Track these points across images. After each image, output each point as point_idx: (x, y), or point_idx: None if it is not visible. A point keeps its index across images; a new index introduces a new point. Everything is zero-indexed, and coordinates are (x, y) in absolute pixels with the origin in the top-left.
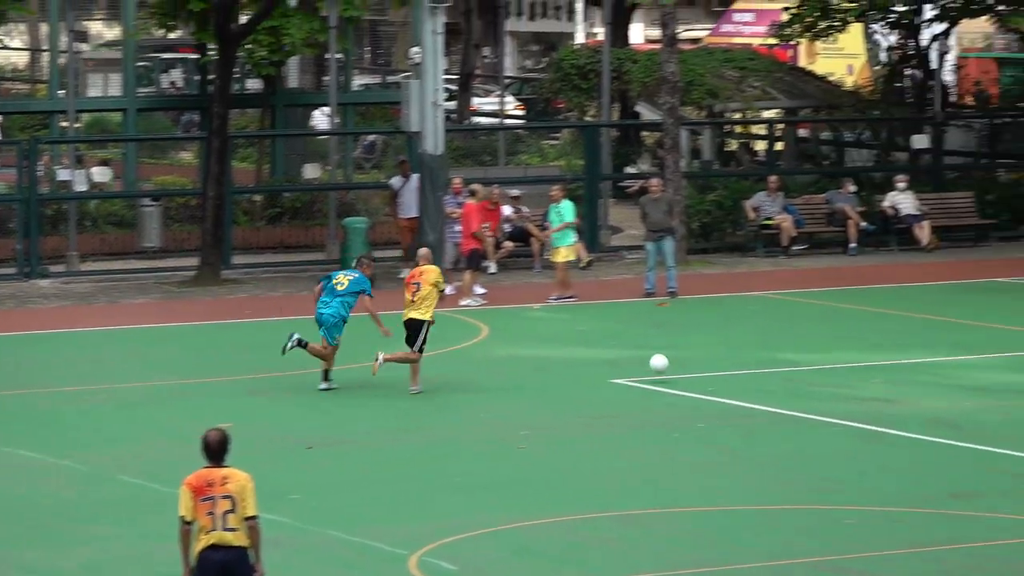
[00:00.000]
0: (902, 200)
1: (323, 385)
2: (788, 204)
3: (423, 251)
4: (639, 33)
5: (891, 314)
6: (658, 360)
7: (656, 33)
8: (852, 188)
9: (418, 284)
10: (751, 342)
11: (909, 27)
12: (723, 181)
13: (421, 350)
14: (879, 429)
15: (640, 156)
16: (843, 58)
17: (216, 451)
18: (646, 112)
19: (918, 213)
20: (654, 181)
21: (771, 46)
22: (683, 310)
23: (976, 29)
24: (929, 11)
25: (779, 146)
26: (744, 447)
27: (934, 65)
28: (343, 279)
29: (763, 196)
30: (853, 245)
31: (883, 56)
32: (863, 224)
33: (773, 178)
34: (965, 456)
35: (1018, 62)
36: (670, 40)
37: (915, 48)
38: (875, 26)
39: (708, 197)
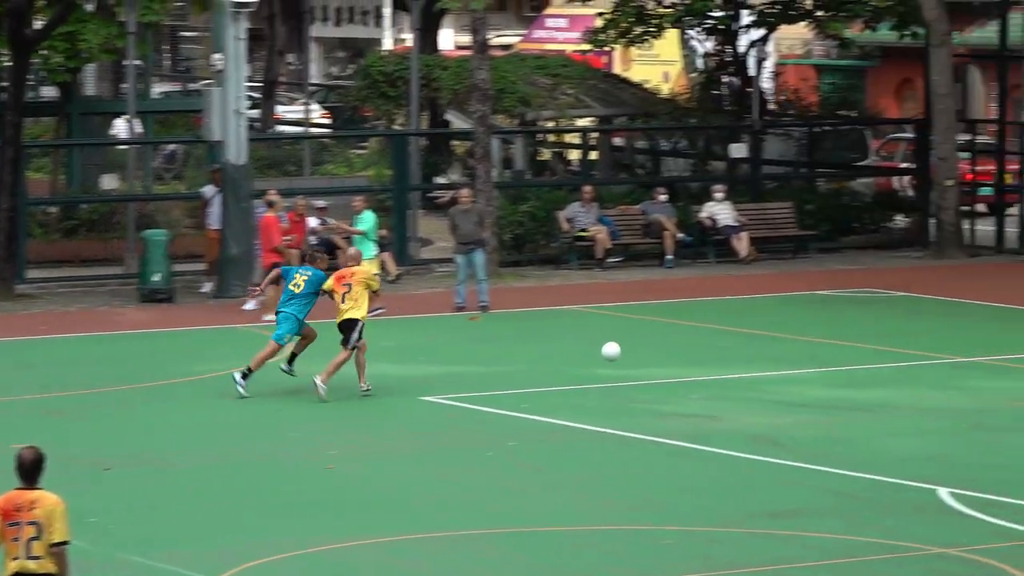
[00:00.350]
0: (720, 211)
1: (284, 370)
2: (603, 215)
3: (352, 251)
4: (449, 39)
5: (709, 328)
6: (611, 348)
7: (466, 39)
8: (663, 196)
9: (349, 285)
10: (565, 357)
11: (726, 33)
12: (536, 191)
13: (354, 346)
14: (698, 447)
15: (450, 166)
16: (659, 65)
17: (29, 471)
18: (456, 121)
19: (736, 224)
20: (464, 191)
21: (585, 52)
22: (495, 325)
23: (795, 35)
24: (747, 17)
25: (593, 155)
26: (559, 466)
27: (752, 72)
28: (299, 279)
29: (577, 207)
30: (670, 257)
31: (700, 63)
32: (680, 235)
33: (588, 188)
34: (786, 474)
35: (837, 69)
36: (481, 46)
37: (732, 55)
38: (692, 32)
39: (520, 208)
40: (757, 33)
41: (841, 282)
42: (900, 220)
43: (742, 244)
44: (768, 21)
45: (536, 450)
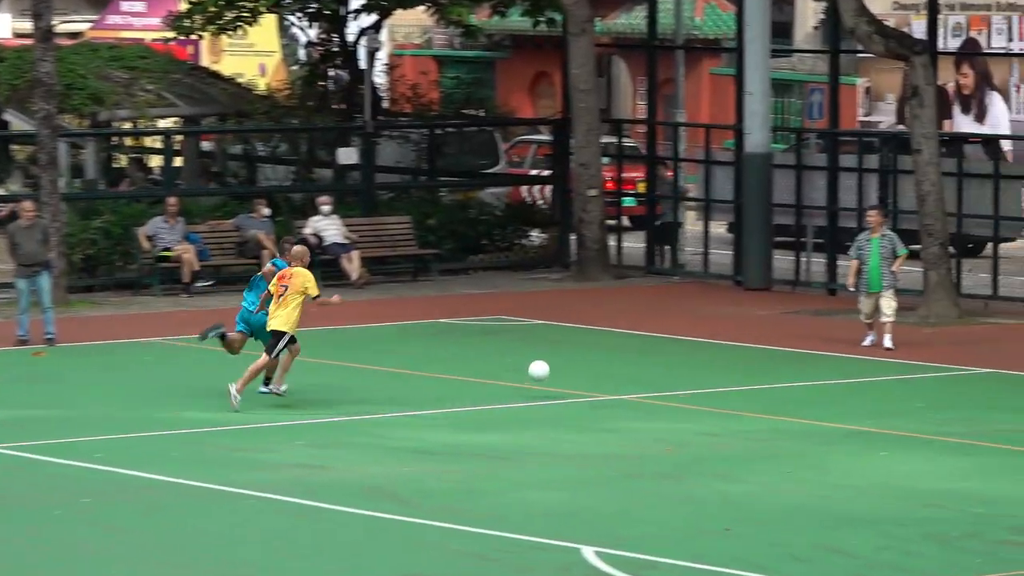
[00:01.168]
0: (327, 226)
1: (263, 389)
2: (190, 232)
3: (297, 249)
4: (6, 26)
5: (316, 363)
6: (539, 368)
7: (28, 25)
8: (266, 211)
9: (285, 287)
10: (147, 398)
11: (333, 19)
12: (111, 204)
13: (277, 355)
14: (305, 501)
15: (9, 175)
16: (255, 56)
17: None
18: (16, 121)
19: (346, 242)
20: (27, 205)
21: (167, 41)
22: (64, 361)
23: (412, 21)
24: (356, 0)
25: (178, 162)
26: (143, 526)
27: (363, 65)
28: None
29: (160, 222)
30: None
31: (302, 54)
32: None
33: (172, 200)
34: (408, 532)
35: (462, 61)
36: (44, 34)
37: (340, 44)
38: (292, 18)
39: (93, 223)
40: (368, 19)
41: (469, 309)
42: (536, 236)
43: (352, 265)
44: (381, 5)
45: (115, 508)
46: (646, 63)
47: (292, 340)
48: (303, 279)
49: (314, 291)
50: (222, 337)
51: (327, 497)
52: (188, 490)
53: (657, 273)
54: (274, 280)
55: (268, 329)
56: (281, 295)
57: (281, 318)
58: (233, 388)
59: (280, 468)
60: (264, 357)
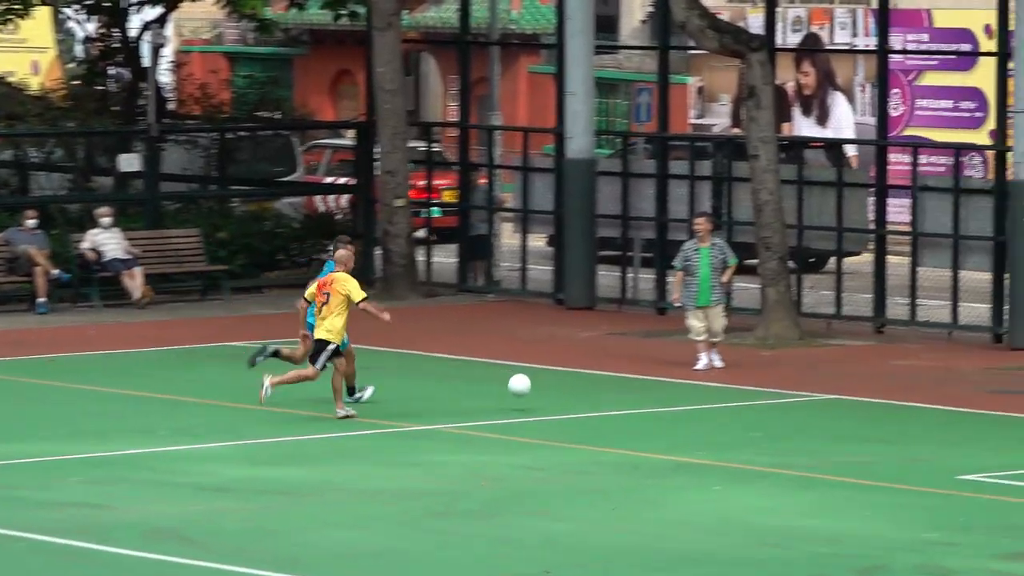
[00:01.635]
0: (107, 240)
1: (349, 403)
2: None
3: (341, 254)
4: None
5: (93, 391)
6: (519, 383)
7: None
8: (31, 223)
9: (327, 294)
10: None
11: (113, 12)
12: None
13: (323, 367)
14: (83, 544)
15: None
16: (27, 52)
17: None
18: None
19: (128, 257)
20: None
21: None
22: None
23: (201, 15)
24: None
25: None
26: None
27: (147, 62)
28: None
29: None
30: (42, 300)
31: (79, 50)
32: (55, 272)
33: None
34: None
35: (256, 58)
36: None
37: (122, 39)
38: (68, 11)
39: None
40: (152, 12)
41: (263, 331)
42: None
43: (135, 283)
44: None
45: None
46: (458, 60)
47: (337, 352)
48: (344, 284)
49: (357, 295)
50: (276, 354)
51: (106, 539)
52: None
53: (470, 291)
54: (312, 288)
55: (316, 337)
56: (324, 303)
57: (324, 327)
58: (267, 380)
59: (52, 507)
60: (310, 368)
